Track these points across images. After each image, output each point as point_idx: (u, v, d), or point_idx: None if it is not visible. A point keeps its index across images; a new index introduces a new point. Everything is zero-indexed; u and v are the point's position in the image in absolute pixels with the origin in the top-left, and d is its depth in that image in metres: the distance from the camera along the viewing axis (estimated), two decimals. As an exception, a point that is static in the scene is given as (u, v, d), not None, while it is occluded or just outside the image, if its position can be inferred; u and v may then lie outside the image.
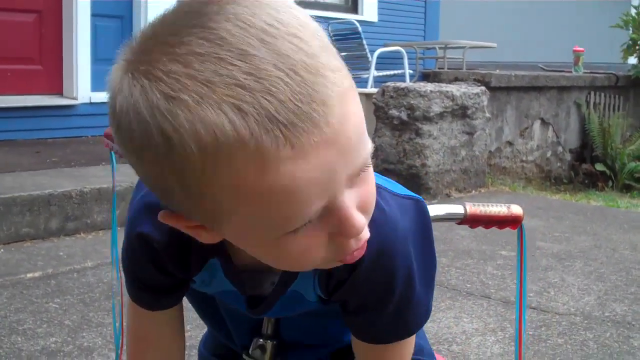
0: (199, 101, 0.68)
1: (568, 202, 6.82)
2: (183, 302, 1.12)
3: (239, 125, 0.67)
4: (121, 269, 1.07)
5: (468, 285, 3.80)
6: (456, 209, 1.20)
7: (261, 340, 1.12)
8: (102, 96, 6.72)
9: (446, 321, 3.26)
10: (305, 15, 0.75)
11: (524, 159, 7.86)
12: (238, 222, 0.75)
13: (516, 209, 1.21)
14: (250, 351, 1.12)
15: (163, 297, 1.06)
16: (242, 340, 1.16)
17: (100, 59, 6.85)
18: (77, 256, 3.98)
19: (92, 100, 6.67)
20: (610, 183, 8.20)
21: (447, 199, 6.09)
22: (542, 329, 3.26)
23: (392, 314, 0.98)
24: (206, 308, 1.17)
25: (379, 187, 0.89)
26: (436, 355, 1.31)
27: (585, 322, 3.36)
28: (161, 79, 0.70)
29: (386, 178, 1.04)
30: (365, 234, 0.81)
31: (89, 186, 4.48)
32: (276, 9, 0.73)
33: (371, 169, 0.80)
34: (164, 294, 1.05)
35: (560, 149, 8.40)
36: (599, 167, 8.30)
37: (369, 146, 0.77)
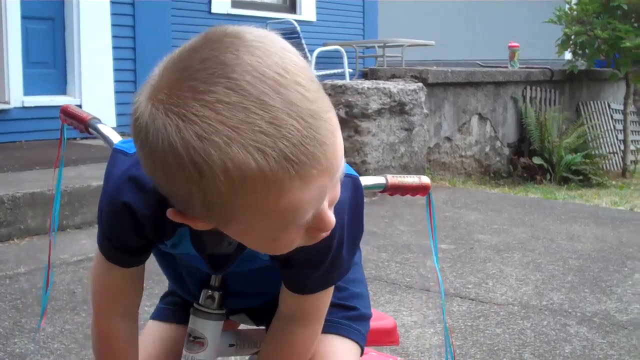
0: (229, 143, 0.85)
1: (507, 195, 6.90)
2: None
3: (262, 163, 0.85)
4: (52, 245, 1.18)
5: (407, 279, 3.81)
6: (379, 179, 1.40)
7: (209, 291, 1.30)
8: (35, 100, 6.60)
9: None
10: (298, 57, 0.93)
11: (463, 154, 7.93)
12: (245, 227, 0.95)
13: (425, 179, 1.41)
14: (201, 301, 1.30)
15: (135, 257, 1.22)
16: (195, 290, 1.34)
17: (32, 62, 6.73)
18: (10, 262, 3.88)
19: (25, 104, 6.54)
20: (548, 176, 8.32)
21: (387, 195, 6.10)
22: (481, 319, 3.28)
23: (323, 271, 1.19)
24: (169, 265, 1.36)
25: None
26: (385, 315, 1.64)
27: (523, 311, 3.39)
28: (195, 122, 0.86)
29: None
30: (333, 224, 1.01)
31: (22, 191, 4.39)
32: (281, 57, 0.90)
33: None
34: (137, 254, 1.21)
35: (498, 143, 8.49)
36: (537, 160, 8.40)
37: (343, 161, 0.97)
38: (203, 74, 0.88)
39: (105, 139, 1.43)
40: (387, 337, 1.61)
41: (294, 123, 0.87)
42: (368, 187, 1.37)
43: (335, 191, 1.00)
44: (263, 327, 1.45)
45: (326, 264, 1.18)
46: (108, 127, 1.47)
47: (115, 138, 1.41)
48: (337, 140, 0.93)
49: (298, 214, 0.92)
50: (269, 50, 0.90)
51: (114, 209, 1.14)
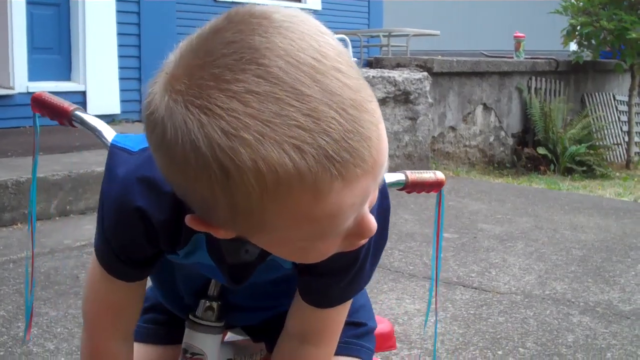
0: (261, 140, 0.72)
1: (510, 185, 6.89)
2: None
3: (300, 163, 0.73)
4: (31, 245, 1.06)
5: (411, 267, 3.81)
6: (399, 176, 1.32)
7: (208, 301, 1.18)
8: (39, 86, 6.59)
9: (389, 302, 3.26)
10: (334, 39, 0.81)
11: (467, 143, 7.92)
12: (277, 236, 0.82)
13: (440, 175, 1.36)
14: (198, 313, 1.18)
15: (142, 269, 1.09)
16: (190, 301, 1.21)
17: (37, 48, 6.72)
18: (13, 247, 3.89)
19: (30, 90, 6.53)
20: (552, 167, 8.31)
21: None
22: (483, 308, 3.28)
23: (346, 282, 1.08)
24: (162, 273, 1.21)
25: None
26: (381, 319, 1.50)
27: (526, 300, 3.39)
28: (221, 116, 0.73)
29: None
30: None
31: (26, 176, 4.39)
32: (316, 40, 0.78)
33: None
34: (144, 266, 1.08)
35: (502, 133, 8.48)
36: (541, 151, 8.39)
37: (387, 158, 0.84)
38: (229, 60, 0.75)
39: (95, 131, 1.25)
40: (385, 343, 1.54)
41: (335, 115, 0.74)
42: (389, 185, 1.29)
43: (376, 192, 0.88)
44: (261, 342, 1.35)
45: (351, 275, 1.08)
46: (94, 117, 1.29)
47: (105, 129, 1.25)
48: (381, 133, 0.80)
49: (339, 221, 0.80)
50: (302, 32, 0.78)
51: (124, 215, 1.00)
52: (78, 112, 1.29)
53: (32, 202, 1.41)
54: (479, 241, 4.41)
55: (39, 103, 1.32)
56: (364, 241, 0.90)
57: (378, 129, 0.79)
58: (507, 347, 2.85)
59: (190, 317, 1.18)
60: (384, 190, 1.08)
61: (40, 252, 3.80)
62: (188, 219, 0.86)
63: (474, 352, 2.79)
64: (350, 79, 0.77)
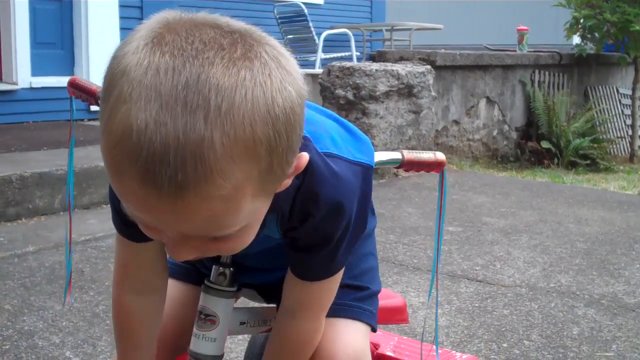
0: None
1: (514, 178, 6.89)
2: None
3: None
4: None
5: (415, 261, 3.81)
6: (395, 155, 1.37)
7: (221, 268, 1.27)
8: (42, 81, 6.60)
9: (393, 296, 3.26)
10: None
11: (471, 137, 7.91)
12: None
13: (440, 156, 1.39)
14: (212, 278, 1.28)
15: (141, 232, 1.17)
16: (208, 265, 1.32)
17: (39, 43, 6.71)
18: (18, 241, 3.89)
19: (33, 85, 6.54)
20: (555, 160, 8.30)
21: (395, 177, 6.10)
22: (488, 300, 3.28)
23: (326, 256, 1.16)
24: None
25: (332, 155, 1.11)
26: (395, 294, 1.65)
27: (531, 293, 3.39)
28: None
29: (343, 124, 1.22)
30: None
31: (30, 171, 4.39)
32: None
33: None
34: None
35: (506, 127, 8.47)
36: (545, 144, 8.38)
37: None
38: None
39: None
40: (396, 316, 1.62)
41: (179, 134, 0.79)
42: (384, 163, 1.36)
43: (216, 244, 0.92)
44: (274, 305, 1.42)
45: (328, 250, 1.15)
46: None
47: None
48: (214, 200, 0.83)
49: (124, 201, 0.87)
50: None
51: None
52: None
53: (69, 178, 1.52)
54: (483, 234, 4.40)
55: (73, 86, 1.47)
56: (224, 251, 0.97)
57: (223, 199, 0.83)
58: (512, 340, 2.85)
59: (205, 281, 1.28)
60: (366, 176, 1.15)
61: (44, 246, 3.81)
62: None
63: (478, 345, 2.79)
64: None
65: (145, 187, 0.81)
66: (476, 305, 3.22)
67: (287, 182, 0.97)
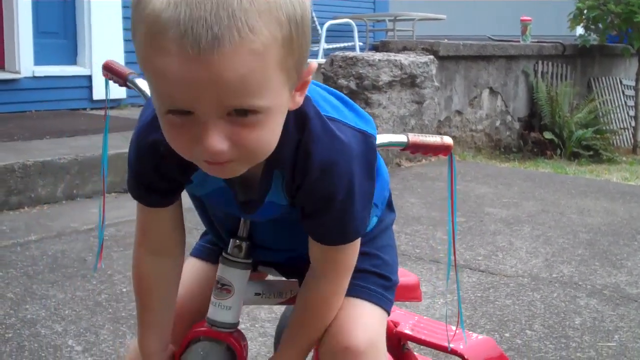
0: None
1: (517, 169, 6.88)
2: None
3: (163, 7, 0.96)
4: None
5: (417, 251, 3.81)
6: (400, 137, 1.41)
7: (237, 241, 1.37)
8: (45, 70, 6.59)
9: (395, 285, 3.26)
10: None
11: (474, 128, 7.90)
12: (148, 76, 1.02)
13: (447, 139, 1.41)
14: (229, 250, 1.37)
15: (161, 197, 1.29)
16: (226, 238, 1.40)
17: (42, 32, 6.70)
18: (20, 230, 3.89)
19: (35, 74, 6.52)
20: (558, 151, 8.28)
21: (397, 168, 6.10)
22: (490, 290, 3.28)
23: (334, 220, 1.22)
24: (203, 213, 1.44)
25: (333, 119, 1.19)
26: (408, 272, 1.71)
27: (533, 283, 3.39)
28: None
29: (347, 103, 1.29)
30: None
31: (32, 159, 4.39)
32: None
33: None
34: (162, 194, 1.29)
35: (509, 117, 8.46)
36: (548, 135, 8.37)
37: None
38: None
39: (143, 92, 1.52)
40: (410, 293, 1.68)
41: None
42: (389, 144, 1.41)
43: (243, 131, 1.01)
44: (291, 280, 1.51)
45: (335, 210, 1.21)
46: (145, 82, 1.54)
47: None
48: (260, 61, 0.97)
49: (161, 85, 0.99)
50: None
51: (141, 146, 1.23)
52: (131, 76, 1.58)
53: (104, 149, 1.62)
54: (486, 225, 4.40)
55: (108, 69, 1.62)
56: (201, 151, 1.02)
57: (255, 52, 0.96)
58: (514, 330, 2.85)
59: (223, 253, 1.38)
60: (368, 142, 1.22)
61: (47, 235, 3.81)
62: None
63: (481, 335, 2.79)
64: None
65: (184, 51, 0.93)
66: (478, 295, 3.22)
67: (300, 99, 1.11)
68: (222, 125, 1.00)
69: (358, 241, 1.30)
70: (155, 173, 1.24)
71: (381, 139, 1.37)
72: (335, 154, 1.17)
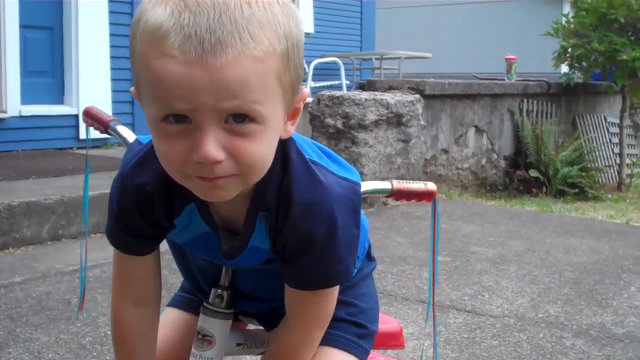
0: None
1: (503, 207, 6.90)
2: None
3: (162, 13, 1.00)
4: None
5: (404, 291, 3.81)
6: (385, 184, 1.43)
7: (219, 290, 1.35)
8: (32, 109, 6.60)
9: (381, 326, 3.25)
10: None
11: (460, 166, 7.93)
12: (142, 85, 1.05)
13: (431, 185, 1.43)
14: (210, 300, 1.35)
15: (142, 243, 1.28)
16: (206, 289, 1.38)
17: (30, 71, 6.72)
18: (5, 271, 3.87)
19: (22, 114, 6.53)
20: (544, 189, 8.32)
21: (384, 207, 6.11)
22: (477, 331, 3.27)
23: (315, 264, 1.20)
24: (183, 262, 1.41)
25: (317, 164, 1.19)
26: (390, 319, 1.66)
27: (519, 323, 3.39)
28: None
29: (331, 155, 1.28)
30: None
31: (18, 200, 4.38)
32: None
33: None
34: (143, 240, 1.27)
35: (494, 156, 8.50)
36: (533, 173, 8.41)
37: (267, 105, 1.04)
38: None
39: (124, 139, 1.51)
40: (392, 341, 1.65)
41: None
42: (373, 192, 1.43)
43: (240, 142, 1.02)
44: (273, 330, 1.47)
45: (315, 254, 1.19)
46: (126, 128, 1.57)
47: (132, 138, 1.47)
48: (257, 67, 0.99)
49: (160, 89, 1.00)
50: None
51: (125, 189, 1.21)
52: (112, 123, 1.58)
53: (85, 193, 1.67)
54: (472, 264, 4.40)
55: (88, 115, 1.61)
56: (197, 158, 1.01)
57: (257, 59, 0.99)
58: (500, 371, 2.84)
59: (204, 303, 1.36)
60: (354, 189, 1.22)
61: (31, 276, 3.79)
62: (131, 91, 1.11)
63: (467, 377, 2.78)
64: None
65: (186, 53, 0.97)
66: (465, 336, 3.21)
67: (291, 128, 1.13)
68: (219, 133, 1.01)
69: (336, 290, 1.28)
70: (139, 217, 1.22)
71: (366, 186, 1.38)
72: (316, 195, 1.17)
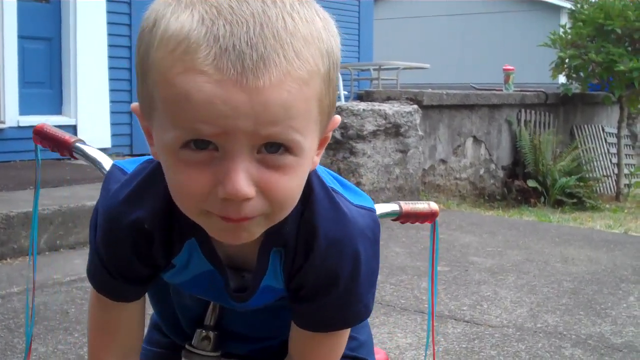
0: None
1: (501, 218, 6.90)
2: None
3: (190, 25, 0.84)
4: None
5: (402, 301, 3.80)
6: (393, 207, 1.38)
7: (204, 331, 1.19)
8: (30, 120, 6.59)
9: (380, 336, 3.25)
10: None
11: (458, 176, 7.94)
12: (158, 113, 0.88)
13: (434, 206, 1.41)
14: (194, 342, 1.19)
15: (132, 287, 1.10)
16: (189, 329, 1.22)
17: (28, 82, 6.72)
18: (2, 282, 3.86)
19: (20, 124, 6.53)
20: (542, 199, 8.33)
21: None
22: (475, 341, 3.27)
23: (335, 303, 1.07)
24: (162, 300, 1.22)
25: (340, 196, 1.07)
26: (377, 349, 1.47)
27: (518, 333, 3.39)
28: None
29: (342, 182, 1.16)
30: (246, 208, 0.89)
31: (16, 210, 4.37)
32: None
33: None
34: (134, 284, 1.10)
35: (493, 166, 8.51)
36: (531, 183, 8.42)
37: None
38: None
39: (94, 162, 1.32)
40: None
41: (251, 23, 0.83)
42: (383, 215, 1.33)
43: (273, 176, 0.88)
44: None
45: (337, 294, 1.07)
46: (94, 148, 1.36)
47: (104, 160, 1.32)
48: (302, 92, 0.86)
49: (185, 110, 0.84)
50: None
51: (116, 227, 1.05)
52: (79, 144, 1.35)
53: (33, 229, 1.47)
54: (470, 274, 4.40)
55: (40, 135, 1.36)
56: (224, 194, 0.86)
57: (302, 82, 0.84)
58: (499, 381, 2.84)
59: (187, 346, 1.20)
60: (374, 219, 1.10)
61: (30, 287, 3.77)
62: (133, 107, 0.97)
63: (466, 387, 2.78)
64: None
65: (222, 71, 0.81)
66: (463, 346, 3.21)
67: (317, 160, 0.98)
68: (250, 166, 0.86)
69: (349, 330, 1.15)
70: (134, 257, 1.06)
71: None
72: (343, 232, 1.04)
